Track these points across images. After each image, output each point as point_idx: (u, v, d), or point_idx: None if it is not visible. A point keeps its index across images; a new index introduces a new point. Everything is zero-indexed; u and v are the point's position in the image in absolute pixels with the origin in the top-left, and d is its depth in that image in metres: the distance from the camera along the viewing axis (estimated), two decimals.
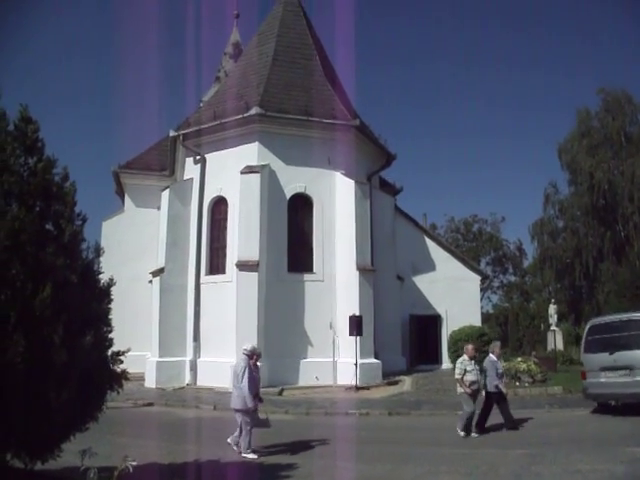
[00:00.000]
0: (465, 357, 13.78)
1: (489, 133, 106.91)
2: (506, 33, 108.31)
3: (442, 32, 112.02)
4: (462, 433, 13.13)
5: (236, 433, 11.57)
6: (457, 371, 13.63)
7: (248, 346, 12.02)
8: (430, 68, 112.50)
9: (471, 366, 13.63)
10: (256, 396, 11.53)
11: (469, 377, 13.45)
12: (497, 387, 13.90)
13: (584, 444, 11.86)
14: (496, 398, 14.01)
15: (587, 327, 17.22)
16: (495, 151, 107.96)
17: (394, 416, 16.76)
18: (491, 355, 14.50)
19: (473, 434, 13.27)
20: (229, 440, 11.72)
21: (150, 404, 19.24)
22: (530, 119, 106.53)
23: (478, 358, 14.52)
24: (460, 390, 13.61)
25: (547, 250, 49.88)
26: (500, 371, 14.31)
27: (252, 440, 11.29)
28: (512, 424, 13.94)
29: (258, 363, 12.21)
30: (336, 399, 19.82)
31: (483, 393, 14.04)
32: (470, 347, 14.09)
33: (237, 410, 11.34)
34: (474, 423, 13.50)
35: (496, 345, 15.06)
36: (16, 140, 6.20)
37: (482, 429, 13.67)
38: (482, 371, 14.04)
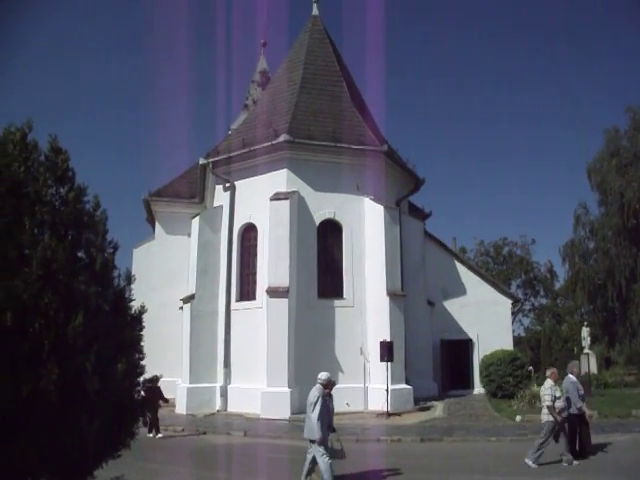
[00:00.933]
0: (551, 382, 13.18)
1: (517, 155, 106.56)
2: (534, 54, 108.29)
3: (469, 54, 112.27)
4: (534, 465, 12.55)
5: (306, 463, 11.07)
6: (547, 398, 12.90)
7: (323, 375, 11.62)
8: (457, 90, 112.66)
9: (558, 392, 13.05)
10: (329, 427, 11.19)
11: (559, 404, 12.88)
12: (580, 409, 13.33)
13: (624, 471, 11.66)
14: (577, 421, 13.39)
15: None
16: (524, 173, 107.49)
17: (426, 442, 16.61)
18: (570, 376, 13.91)
19: (533, 465, 12.63)
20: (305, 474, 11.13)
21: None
22: (559, 140, 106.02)
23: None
24: (546, 418, 12.95)
25: (578, 272, 49.15)
26: (581, 392, 13.66)
27: (331, 471, 10.72)
28: (590, 449, 13.42)
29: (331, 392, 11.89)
30: (367, 425, 19.71)
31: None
32: (555, 370, 13.60)
33: (312, 440, 10.85)
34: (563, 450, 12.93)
35: (575, 365, 14.54)
36: (48, 170, 6.31)
37: (575, 453, 13.12)
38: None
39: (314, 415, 10.70)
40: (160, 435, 17.90)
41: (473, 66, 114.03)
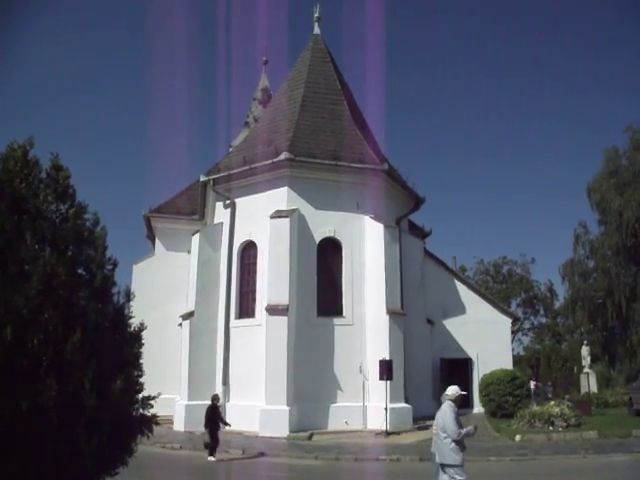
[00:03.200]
0: None
1: (517, 174, 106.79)
2: (535, 80, 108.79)
3: (472, 77, 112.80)
4: None
5: None
6: None
7: (452, 389, 10.07)
8: (459, 111, 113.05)
9: None
10: (464, 447, 9.73)
11: None
12: None
13: None
14: None
15: None
16: (524, 192, 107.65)
17: (425, 462, 16.42)
18: None
19: None
20: None
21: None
22: (559, 158, 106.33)
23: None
24: None
25: (578, 291, 49.15)
26: None
27: None
28: None
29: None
30: (366, 444, 19.62)
31: None
32: None
33: (448, 465, 9.40)
34: None
35: None
36: (48, 187, 6.34)
37: None
38: None
39: (454, 435, 9.34)
40: (213, 459, 16.79)
41: (476, 88, 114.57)
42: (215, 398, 18.41)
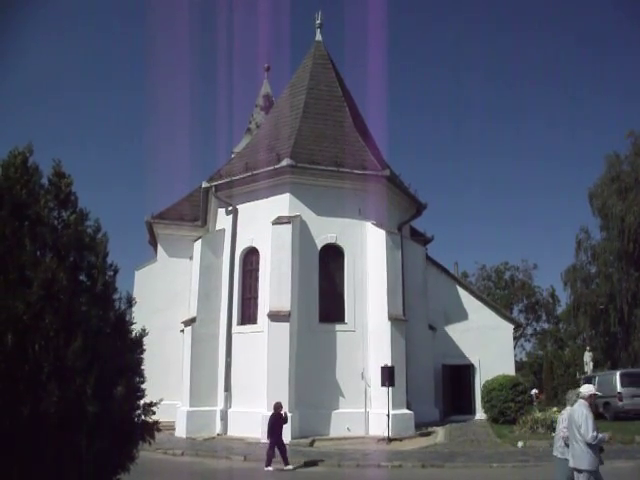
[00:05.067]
0: None
1: (519, 180, 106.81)
2: (536, 85, 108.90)
3: (473, 84, 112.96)
4: None
5: None
6: None
7: (587, 387, 9.51)
8: (460, 116, 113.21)
9: None
10: (601, 451, 9.10)
11: None
12: None
13: None
14: None
15: None
16: (525, 198, 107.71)
17: (427, 468, 16.48)
18: None
19: None
20: None
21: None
22: (561, 165, 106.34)
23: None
24: None
25: (581, 296, 49.18)
26: None
27: None
28: None
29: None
30: (368, 451, 19.58)
31: None
32: None
33: (586, 471, 8.77)
34: None
35: None
36: (49, 193, 6.36)
37: None
38: None
39: (589, 438, 8.70)
40: (290, 467, 16.25)
41: (477, 93, 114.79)
42: (278, 407, 17.55)
